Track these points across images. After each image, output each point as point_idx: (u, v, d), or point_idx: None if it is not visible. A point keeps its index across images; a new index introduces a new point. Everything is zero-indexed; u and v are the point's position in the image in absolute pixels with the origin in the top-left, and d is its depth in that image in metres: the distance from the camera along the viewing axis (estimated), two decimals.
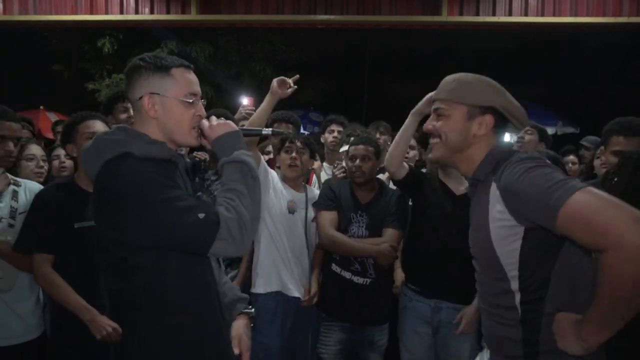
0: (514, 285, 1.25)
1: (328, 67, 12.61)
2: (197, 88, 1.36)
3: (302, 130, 9.11)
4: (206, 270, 1.38)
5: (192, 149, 2.61)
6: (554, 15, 4.87)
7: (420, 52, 12.92)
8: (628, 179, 1.74)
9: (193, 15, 5.14)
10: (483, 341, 1.45)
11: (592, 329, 1.10)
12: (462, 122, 1.36)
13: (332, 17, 5.09)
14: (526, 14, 4.91)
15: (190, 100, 1.32)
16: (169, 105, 1.31)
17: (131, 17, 5.15)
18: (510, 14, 4.92)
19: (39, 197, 1.97)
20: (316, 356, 2.51)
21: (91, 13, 5.11)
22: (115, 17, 5.14)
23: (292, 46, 10.29)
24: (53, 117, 7.72)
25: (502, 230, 1.24)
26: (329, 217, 2.43)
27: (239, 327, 1.47)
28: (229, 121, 1.37)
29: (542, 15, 4.88)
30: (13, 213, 2.02)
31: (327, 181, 2.76)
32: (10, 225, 2.00)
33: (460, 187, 2.38)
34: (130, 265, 1.24)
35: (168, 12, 5.16)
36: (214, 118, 1.38)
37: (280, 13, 5.12)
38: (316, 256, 2.56)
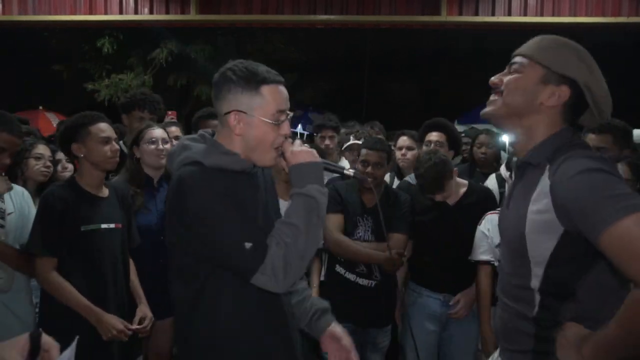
0: (535, 283, 1.16)
1: (328, 67, 12.61)
2: (286, 105, 1.31)
3: (301, 131, 9.12)
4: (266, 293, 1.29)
5: None
6: (553, 15, 4.87)
7: (420, 52, 12.93)
8: None
9: (192, 15, 5.14)
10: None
11: (594, 350, 1.06)
12: (532, 83, 1.19)
13: (331, 17, 5.09)
14: (525, 14, 4.91)
15: (277, 122, 1.29)
16: (255, 125, 1.28)
17: (130, 17, 5.15)
18: (509, 14, 4.92)
19: (44, 198, 1.95)
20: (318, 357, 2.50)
21: (90, 13, 5.11)
22: (114, 17, 5.15)
23: (292, 46, 10.29)
24: (53, 117, 7.73)
25: (540, 225, 1.12)
26: (335, 221, 2.39)
27: (337, 337, 1.41)
28: (313, 150, 1.32)
29: (542, 15, 4.88)
30: (2, 213, 2.02)
31: (332, 184, 2.75)
32: (1, 226, 2.00)
33: (454, 194, 2.39)
34: (192, 271, 1.28)
35: (167, 12, 5.16)
36: (297, 142, 1.33)
37: (280, 13, 5.12)
38: (314, 262, 2.55)
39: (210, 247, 1.22)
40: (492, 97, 1.26)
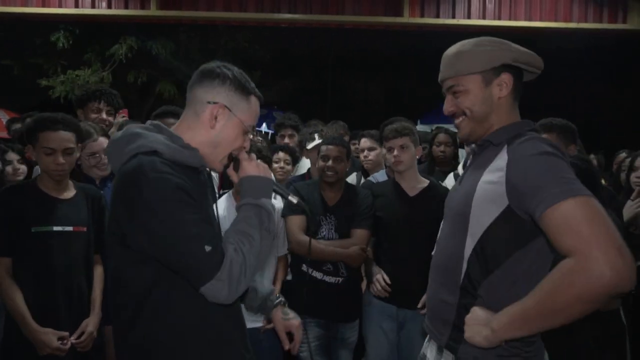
0: (467, 251, 1.24)
1: (293, 66, 12.60)
2: (256, 122, 1.38)
3: (266, 130, 9.05)
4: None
5: None
6: (509, 19, 5.07)
7: (384, 53, 13.11)
8: None
9: (152, 11, 5.01)
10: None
11: (509, 321, 1.10)
12: (481, 91, 1.30)
13: (296, 16, 5.08)
14: (484, 17, 5.08)
15: (248, 132, 1.33)
16: (232, 125, 1.29)
17: (87, 11, 4.97)
18: (469, 17, 5.08)
19: None
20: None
21: (43, 6, 4.89)
22: (69, 10, 4.95)
23: (256, 44, 10.19)
24: (2, 114, 7.33)
25: (488, 195, 1.20)
26: (297, 222, 2.40)
27: (278, 320, 1.50)
28: (267, 166, 1.36)
29: (499, 18, 5.07)
30: None
31: (293, 184, 2.73)
32: None
33: (414, 187, 2.44)
34: (129, 275, 1.18)
35: (126, 7, 5.01)
36: (254, 156, 1.37)
37: (244, 11, 5.07)
38: (279, 266, 2.54)
39: (162, 245, 1.11)
40: (457, 121, 1.36)
